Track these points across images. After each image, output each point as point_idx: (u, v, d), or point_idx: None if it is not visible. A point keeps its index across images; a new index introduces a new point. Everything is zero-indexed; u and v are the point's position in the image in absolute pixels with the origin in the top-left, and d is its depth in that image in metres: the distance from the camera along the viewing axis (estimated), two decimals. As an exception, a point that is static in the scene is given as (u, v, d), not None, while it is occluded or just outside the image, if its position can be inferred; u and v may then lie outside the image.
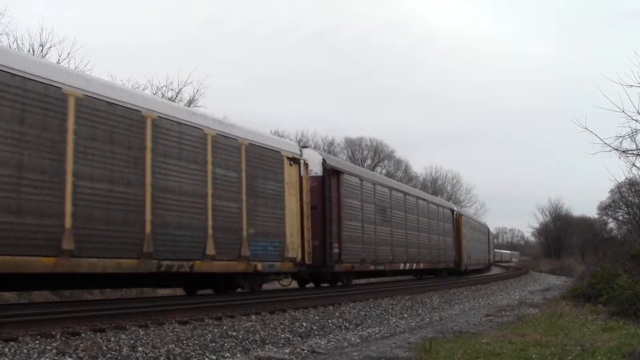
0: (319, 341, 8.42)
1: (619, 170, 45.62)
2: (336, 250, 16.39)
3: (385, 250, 20.42)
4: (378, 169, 58.36)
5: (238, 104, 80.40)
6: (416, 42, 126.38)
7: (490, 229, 57.78)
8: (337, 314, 11.20)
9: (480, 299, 17.67)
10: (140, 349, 6.72)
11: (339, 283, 18.04)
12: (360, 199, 18.63)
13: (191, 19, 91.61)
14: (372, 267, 19.31)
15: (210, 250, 11.74)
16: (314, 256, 15.53)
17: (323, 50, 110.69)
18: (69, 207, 8.99)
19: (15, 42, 19.96)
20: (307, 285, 18.21)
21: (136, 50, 74.62)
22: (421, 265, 24.90)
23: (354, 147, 60.48)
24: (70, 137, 9.14)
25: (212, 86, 79.19)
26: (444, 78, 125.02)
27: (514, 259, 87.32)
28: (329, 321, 10.31)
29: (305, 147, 17.03)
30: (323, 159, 16.74)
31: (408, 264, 23.04)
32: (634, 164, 13.01)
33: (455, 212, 32.73)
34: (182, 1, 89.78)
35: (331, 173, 16.65)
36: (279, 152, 14.39)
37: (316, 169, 16.31)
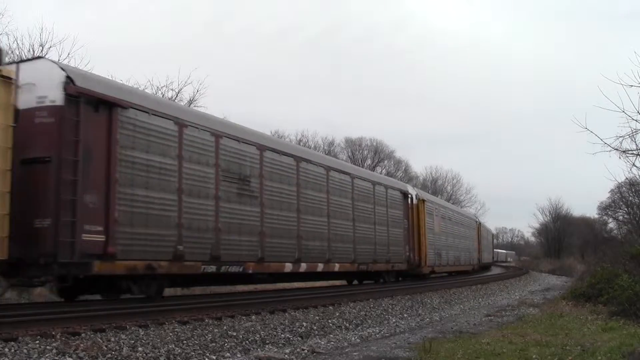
0: (319, 341, 8.42)
1: (619, 170, 45.61)
2: (97, 238, 9.48)
3: (245, 243, 12.91)
4: (378, 168, 58.41)
5: (239, 104, 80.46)
6: (416, 43, 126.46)
7: (491, 229, 57.21)
8: (337, 314, 11.20)
9: (480, 299, 17.68)
10: (140, 349, 6.73)
11: (130, 295, 10.89)
12: (177, 155, 11.14)
13: (192, 21, 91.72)
14: (210, 269, 11.78)
15: None
16: (30, 245, 8.92)
17: (323, 51, 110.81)
18: None
19: (16, 42, 19.97)
20: (81, 298, 11.23)
21: (136, 51, 74.62)
22: (336, 267, 16.91)
23: (354, 147, 60.63)
24: None
25: (213, 87, 79.02)
26: (444, 78, 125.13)
27: (509, 259, 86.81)
28: (329, 321, 10.32)
29: (39, 57, 9.93)
30: (67, 77, 9.38)
31: (305, 264, 15.23)
32: (634, 164, 12.97)
33: (411, 196, 23.69)
34: (183, 3, 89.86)
35: (88, 104, 9.59)
36: None
37: (53, 94, 9.34)
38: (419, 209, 24.36)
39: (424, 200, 25.29)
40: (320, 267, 16.11)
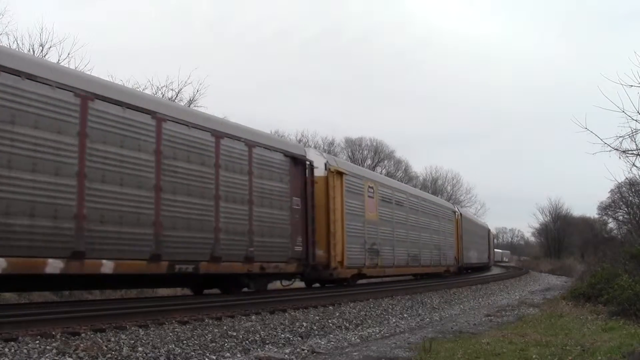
0: (319, 341, 8.42)
1: (619, 170, 45.64)
2: None
3: None
4: (378, 169, 58.42)
5: (239, 104, 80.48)
6: (416, 43, 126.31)
7: (491, 229, 56.82)
8: (337, 314, 11.20)
9: (480, 299, 17.67)
10: (140, 349, 6.72)
11: None
12: None
13: (193, 22, 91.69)
14: None
15: None
16: None
17: (324, 52, 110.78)
18: None
19: (15, 42, 19.95)
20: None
21: (136, 51, 74.63)
22: (105, 266, 9.86)
23: (354, 147, 60.63)
24: None
25: (214, 87, 79.39)
26: (444, 78, 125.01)
27: (505, 259, 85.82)
28: (329, 321, 10.32)
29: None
30: None
31: (3, 260, 8.22)
32: (634, 164, 12.99)
33: (309, 163, 15.85)
34: (183, 4, 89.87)
35: None
36: None
37: None
38: (329, 185, 16.68)
39: (341, 173, 17.29)
40: (54, 265, 8.95)
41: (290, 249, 14.85)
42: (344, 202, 17.44)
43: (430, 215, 26.75)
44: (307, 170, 15.79)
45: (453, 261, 30.11)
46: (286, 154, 15.10)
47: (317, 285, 18.23)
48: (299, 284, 17.60)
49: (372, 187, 20.06)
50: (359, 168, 23.96)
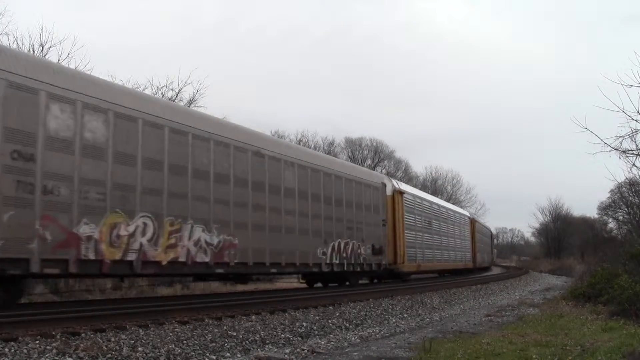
0: (319, 341, 8.42)
1: (619, 170, 45.71)
2: None
3: None
4: (378, 168, 58.39)
5: (240, 104, 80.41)
6: (417, 45, 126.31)
7: (492, 229, 56.69)
8: (337, 314, 11.20)
9: (480, 299, 17.67)
10: (140, 349, 6.73)
11: None
12: None
13: (194, 23, 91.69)
14: None
15: None
16: None
17: (324, 53, 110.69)
18: None
19: (15, 42, 19.93)
20: None
21: (137, 51, 74.60)
22: None
23: (354, 147, 60.57)
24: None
25: (214, 86, 79.28)
26: (445, 79, 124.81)
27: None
28: (329, 321, 10.32)
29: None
30: None
31: None
32: (634, 164, 12.95)
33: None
34: (186, 4, 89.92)
35: None
36: None
37: None
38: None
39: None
40: None
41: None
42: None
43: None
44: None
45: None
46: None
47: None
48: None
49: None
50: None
